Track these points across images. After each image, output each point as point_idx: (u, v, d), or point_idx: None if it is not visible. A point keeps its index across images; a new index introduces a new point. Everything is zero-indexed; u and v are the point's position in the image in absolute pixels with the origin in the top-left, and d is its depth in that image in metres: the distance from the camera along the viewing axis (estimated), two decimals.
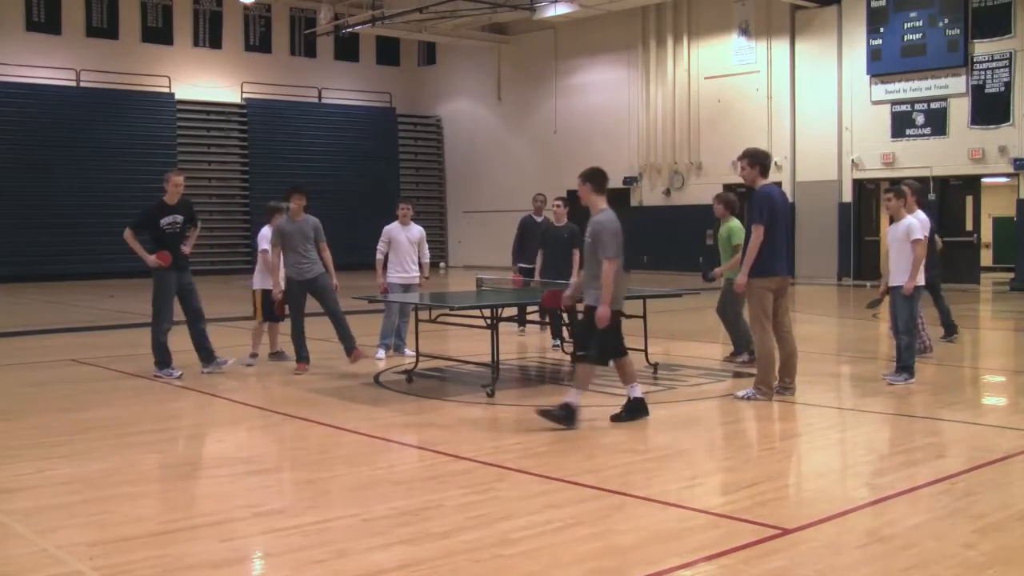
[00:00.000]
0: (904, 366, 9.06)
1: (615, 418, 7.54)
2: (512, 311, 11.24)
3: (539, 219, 13.26)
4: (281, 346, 11.16)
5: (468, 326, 9.43)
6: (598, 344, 7.35)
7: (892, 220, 9.29)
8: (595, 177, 7.59)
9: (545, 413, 7.36)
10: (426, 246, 11.69)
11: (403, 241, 11.36)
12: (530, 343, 12.68)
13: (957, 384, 9.79)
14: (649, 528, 4.95)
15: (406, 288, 11.34)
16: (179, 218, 9.98)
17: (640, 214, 28.40)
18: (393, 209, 11.65)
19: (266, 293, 10.83)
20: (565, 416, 7.28)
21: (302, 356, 10.26)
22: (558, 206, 12.01)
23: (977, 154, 21.82)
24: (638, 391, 7.65)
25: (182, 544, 4.80)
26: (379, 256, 11.44)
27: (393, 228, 11.44)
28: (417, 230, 11.57)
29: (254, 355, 10.83)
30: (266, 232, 10.80)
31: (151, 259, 9.77)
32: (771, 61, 25.26)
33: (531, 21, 28.39)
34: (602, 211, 7.49)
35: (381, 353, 11.22)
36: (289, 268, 10.31)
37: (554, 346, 11.90)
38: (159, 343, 9.94)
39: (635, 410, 7.59)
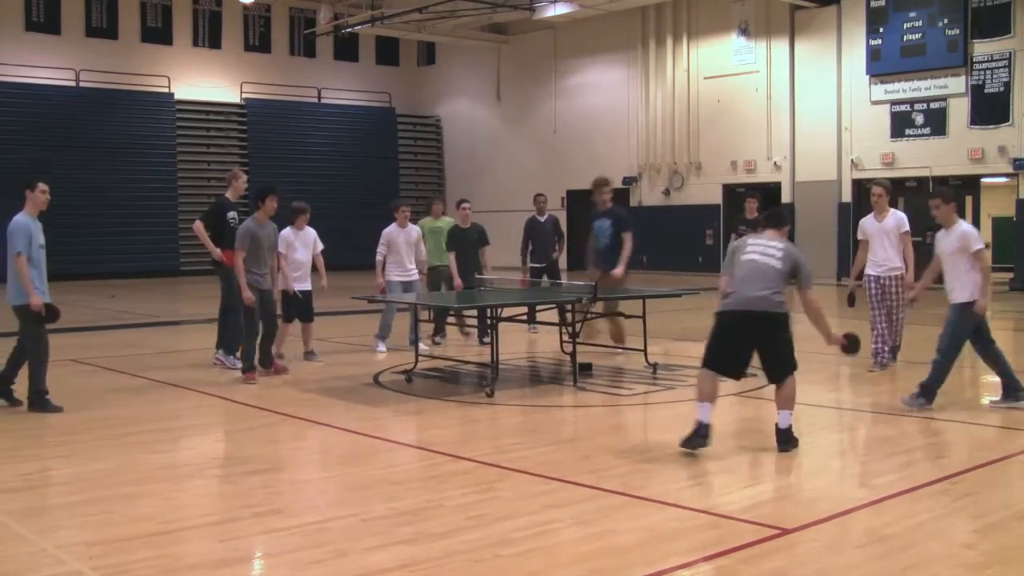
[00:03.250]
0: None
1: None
2: (525, 312, 11.43)
3: (542, 219, 13.51)
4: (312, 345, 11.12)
5: (467, 326, 9.47)
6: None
7: (941, 227, 8.15)
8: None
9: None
10: (422, 246, 12.16)
11: (401, 243, 11.78)
12: (534, 341, 12.66)
13: (957, 384, 9.77)
14: (649, 528, 4.95)
15: (406, 286, 11.71)
16: (236, 214, 10.58)
17: (640, 214, 28.38)
18: (392, 212, 12.00)
19: (284, 294, 10.71)
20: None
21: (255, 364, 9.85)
22: (465, 209, 12.63)
23: (977, 154, 21.82)
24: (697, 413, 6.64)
25: (182, 544, 4.80)
26: (379, 258, 11.83)
27: (392, 231, 11.84)
28: (415, 231, 12.04)
29: (280, 355, 10.61)
30: (286, 234, 10.75)
31: (217, 252, 10.27)
32: (770, 61, 25.25)
33: (531, 21, 28.38)
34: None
35: (382, 347, 11.65)
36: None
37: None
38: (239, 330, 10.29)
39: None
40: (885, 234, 9.77)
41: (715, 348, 6.66)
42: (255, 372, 9.59)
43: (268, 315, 9.85)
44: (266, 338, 9.86)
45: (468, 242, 12.44)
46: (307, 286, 10.83)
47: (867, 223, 9.99)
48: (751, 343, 6.60)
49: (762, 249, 6.72)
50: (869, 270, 9.94)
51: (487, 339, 11.88)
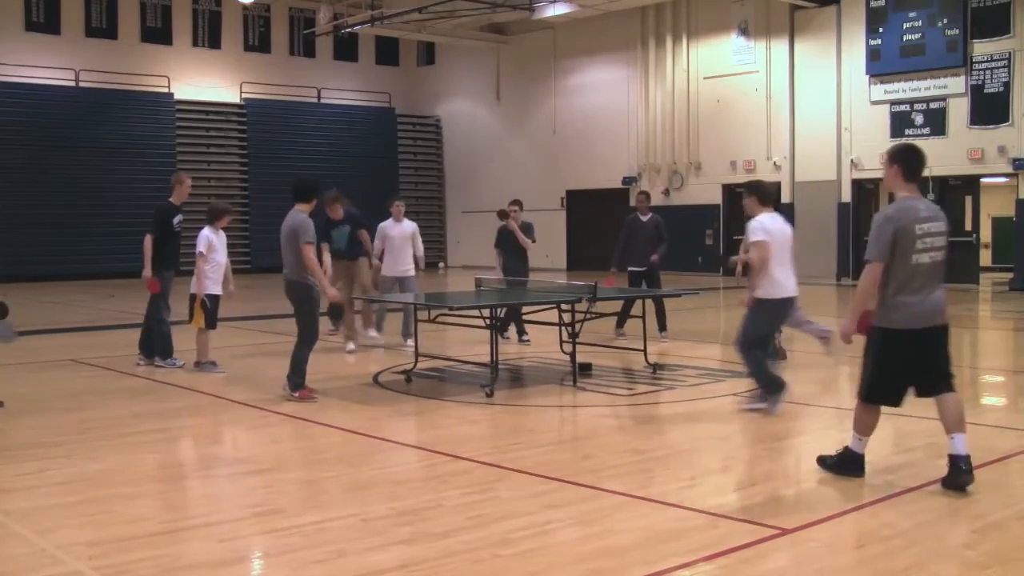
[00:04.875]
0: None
1: (824, 463, 5.92)
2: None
3: (644, 218, 12.86)
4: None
5: (467, 326, 9.44)
6: (867, 373, 5.70)
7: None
8: (903, 158, 5.56)
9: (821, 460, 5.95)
10: (419, 240, 12.22)
11: (396, 237, 11.91)
12: (534, 342, 12.65)
13: (956, 384, 9.78)
14: (649, 528, 4.95)
15: (400, 281, 11.92)
16: (182, 218, 10.51)
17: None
18: (387, 207, 12.16)
19: (213, 298, 10.34)
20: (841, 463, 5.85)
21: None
22: (514, 211, 12.63)
23: (976, 154, 21.83)
24: (959, 445, 5.57)
25: (181, 544, 4.80)
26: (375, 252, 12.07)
27: (387, 225, 12.05)
28: (410, 226, 12.13)
29: (213, 362, 10.26)
30: (206, 234, 10.28)
31: (148, 275, 10.26)
32: (770, 61, 25.27)
33: (530, 21, 28.38)
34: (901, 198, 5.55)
35: (373, 332, 11.99)
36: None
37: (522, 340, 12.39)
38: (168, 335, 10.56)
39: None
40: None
41: (893, 378, 5.69)
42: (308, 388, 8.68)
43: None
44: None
45: (514, 240, 12.44)
46: (219, 291, 10.36)
47: None
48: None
49: (938, 242, 5.62)
50: None
51: (526, 337, 12.22)
